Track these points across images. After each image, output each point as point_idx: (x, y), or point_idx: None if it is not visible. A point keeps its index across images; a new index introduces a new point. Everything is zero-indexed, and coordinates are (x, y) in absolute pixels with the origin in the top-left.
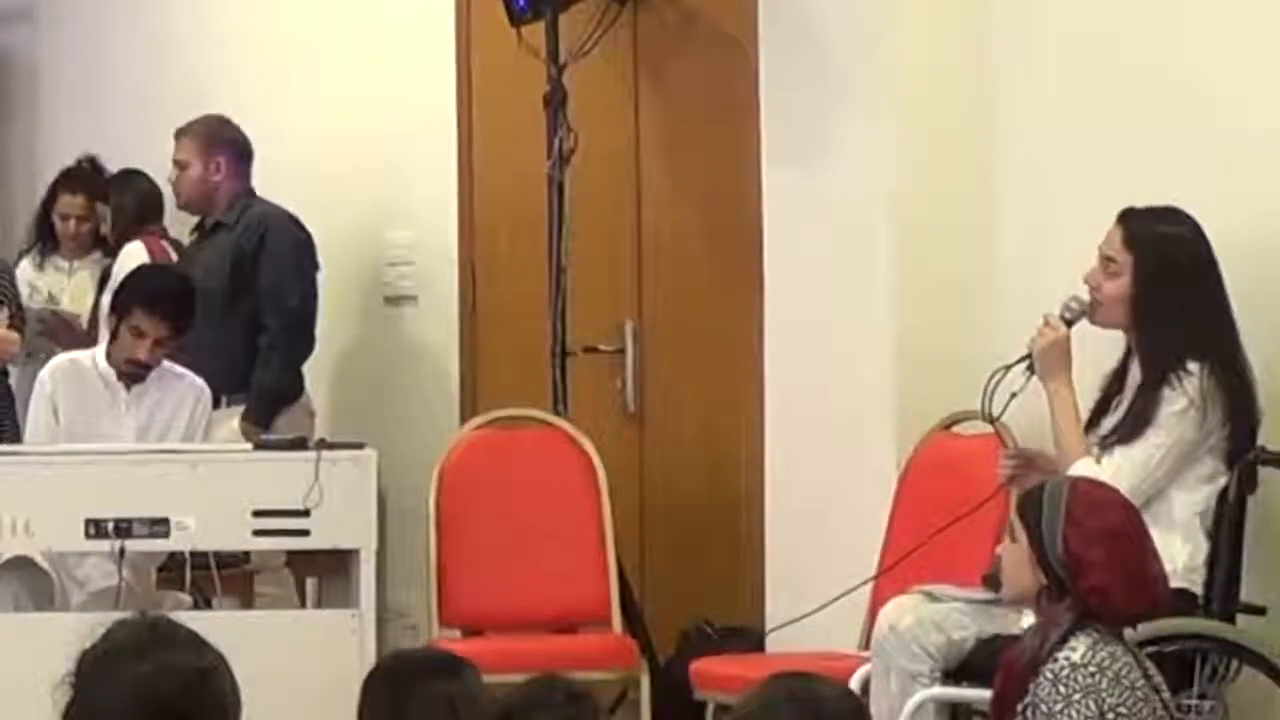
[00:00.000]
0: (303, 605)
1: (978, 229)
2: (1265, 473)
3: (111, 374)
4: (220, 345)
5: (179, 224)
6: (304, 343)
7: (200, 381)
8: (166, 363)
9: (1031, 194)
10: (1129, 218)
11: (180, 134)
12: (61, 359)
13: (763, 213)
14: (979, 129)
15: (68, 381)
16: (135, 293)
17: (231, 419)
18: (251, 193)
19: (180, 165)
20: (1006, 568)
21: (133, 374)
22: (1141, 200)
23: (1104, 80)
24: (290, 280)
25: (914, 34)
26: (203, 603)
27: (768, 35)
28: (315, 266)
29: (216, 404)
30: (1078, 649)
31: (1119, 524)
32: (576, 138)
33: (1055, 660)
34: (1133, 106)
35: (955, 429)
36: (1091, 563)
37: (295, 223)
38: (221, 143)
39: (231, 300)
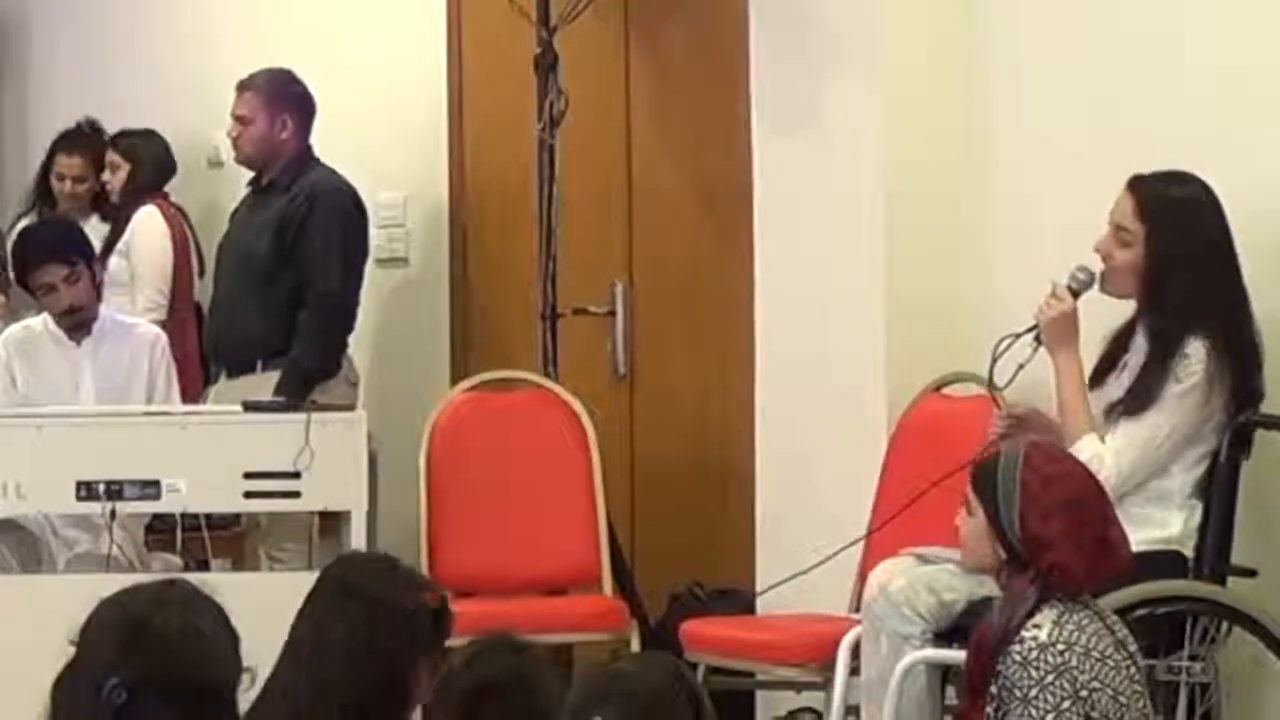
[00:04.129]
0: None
1: (968, 194)
2: (1259, 436)
3: (62, 335)
4: (260, 310)
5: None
6: (343, 323)
7: (154, 329)
8: (117, 315)
9: (1022, 160)
10: (1140, 185)
11: (243, 88)
12: (14, 327)
13: (753, 174)
14: (970, 96)
15: (21, 347)
16: (20, 267)
17: (266, 385)
18: (310, 151)
19: (243, 121)
20: (966, 541)
21: (77, 324)
22: (1134, 167)
23: (1097, 47)
24: (333, 259)
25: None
26: (194, 565)
27: None
28: (364, 245)
29: (252, 369)
30: (1044, 626)
31: (1075, 495)
32: (567, 101)
33: (1022, 640)
34: (1126, 73)
35: (946, 390)
36: (1050, 539)
37: (351, 197)
38: (289, 99)
39: (274, 267)
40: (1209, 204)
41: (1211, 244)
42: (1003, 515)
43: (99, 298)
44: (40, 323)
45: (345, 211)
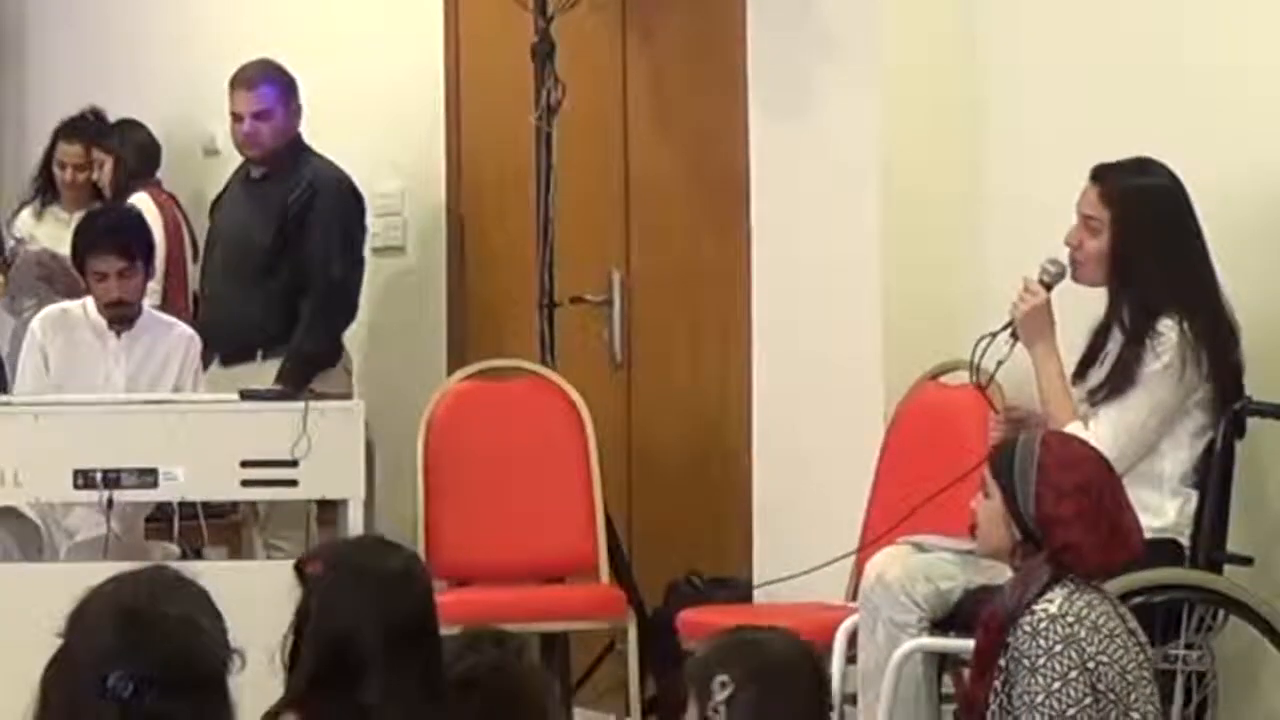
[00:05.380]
0: None
1: (962, 180)
2: (1253, 424)
3: (102, 323)
4: (260, 300)
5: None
6: (346, 311)
7: (190, 330)
8: (156, 313)
9: (1019, 151)
10: (1103, 174)
11: (253, 83)
12: (52, 309)
13: (749, 164)
14: (966, 80)
15: (58, 331)
16: (81, 245)
17: (265, 373)
18: (301, 138)
19: (263, 116)
20: (981, 524)
21: (121, 317)
22: (1126, 156)
23: (1095, 42)
24: (336, 248)
25: None
26: (191, 553)
27: None
28: (363, 234)
29: (252, 358)
30: (1054, 600)
31: (1090, 479)
32: (564, 89)
33: (1033, 612)
34: (1122, 67)
35: (942, 379)
36: (1063, 520)
37: (350, 186)
38: (294, 87)
39: (275, 258)
40: (1173, 189)
41: (1176, 226)
42: (1018, 496)
43: (144, 295)
44: (79, 307)
45: (346, 201)
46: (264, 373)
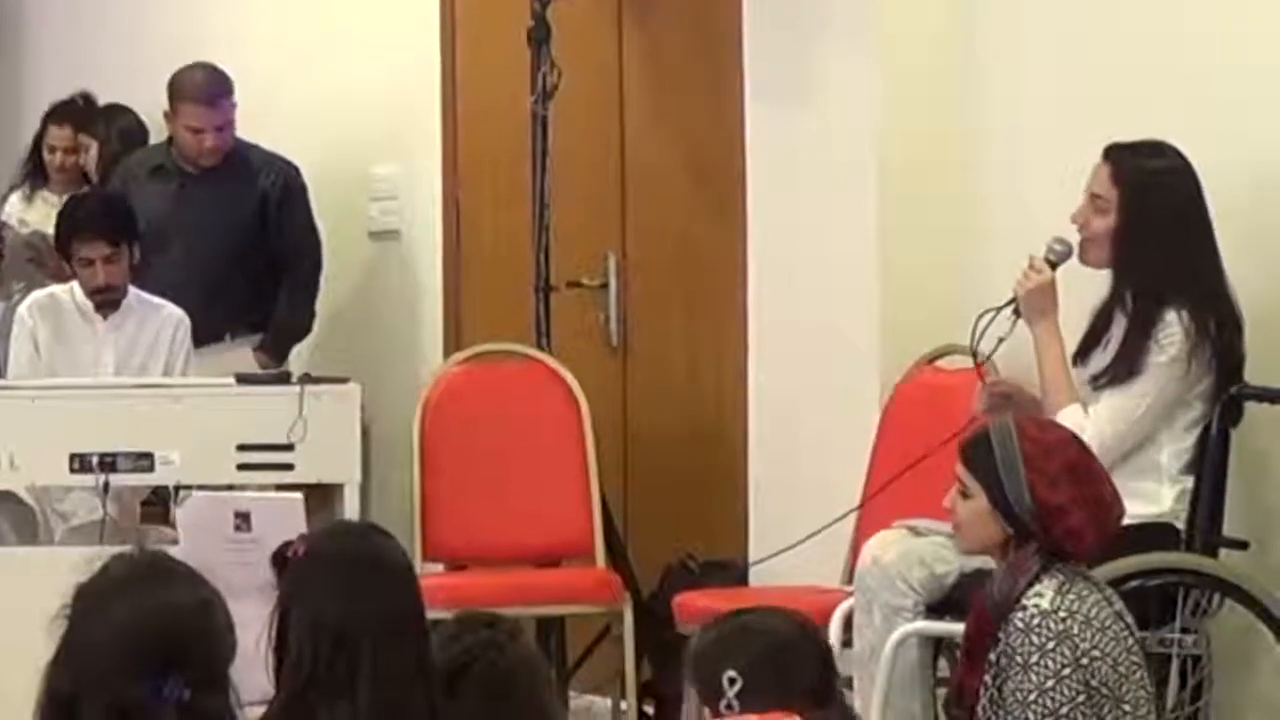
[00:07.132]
0: None
1: (960, 164)
2: (1249, 409)
3: (89, 307)
4: (235, 283)
5: None
6: (319, 284)
7: (179, 311)
8: (144, 294)
9: (1014, 128)
10: (1116, 153)
11: (216, 97)
12: (40, 294)
13: (746, 146)
14: (962, 64)
15: (46, 315)
16: (66, 230)
17: (232, 351)
18: None
19: (224, 127)
20: (965, 525)
21: (107, 302)
22: (1125, 135)
23: (1095, 16)
24: (315, 230)
25: None
26: None
27: None
28: None
29: (221, 339)
30: (1046, 594)
31: (1074, 460)
32: (560, 74)
33: (1024, 608)
34: (1119, 41)
35: (939, 363)
36: (1061, 506)
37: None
38: (233, 88)
39: (257, 241)
40: (1183, 173)
41: (1184, 212)
42: (1008, 490)
43: (133, 277)
44: (67, 291)
45: (305, 185)
46: (233, 351)
